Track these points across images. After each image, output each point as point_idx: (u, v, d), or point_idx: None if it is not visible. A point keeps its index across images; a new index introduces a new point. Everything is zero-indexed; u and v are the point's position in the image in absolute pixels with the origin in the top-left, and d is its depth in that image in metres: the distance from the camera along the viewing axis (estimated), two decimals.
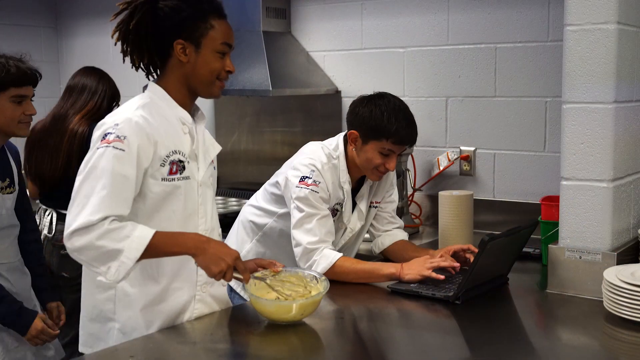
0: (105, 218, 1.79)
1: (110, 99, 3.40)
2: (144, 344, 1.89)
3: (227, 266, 1.87)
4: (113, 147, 1.83)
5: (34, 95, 2.49)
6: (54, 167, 3.26)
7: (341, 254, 2.41)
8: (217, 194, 3.86)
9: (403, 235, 2.71)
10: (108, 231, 1.78)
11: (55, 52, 4.94)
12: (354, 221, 2.58)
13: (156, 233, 1.83)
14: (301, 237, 2.37)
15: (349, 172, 2.52)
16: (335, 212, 2.51)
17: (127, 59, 1.99)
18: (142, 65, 2.00)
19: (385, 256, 2.70)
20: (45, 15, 4.89)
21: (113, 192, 1.81)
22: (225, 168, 4.19)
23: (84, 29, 4.76)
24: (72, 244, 1.80)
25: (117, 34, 1.96)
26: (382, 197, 2.69)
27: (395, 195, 2.75)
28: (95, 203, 1.79)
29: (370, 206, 2.66)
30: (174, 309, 1.99)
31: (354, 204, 2.59)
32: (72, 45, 4.89)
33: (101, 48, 4.58)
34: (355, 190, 2.59)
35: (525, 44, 3.19)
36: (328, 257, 2.37)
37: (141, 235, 1.81)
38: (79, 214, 1.79)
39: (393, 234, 2.71)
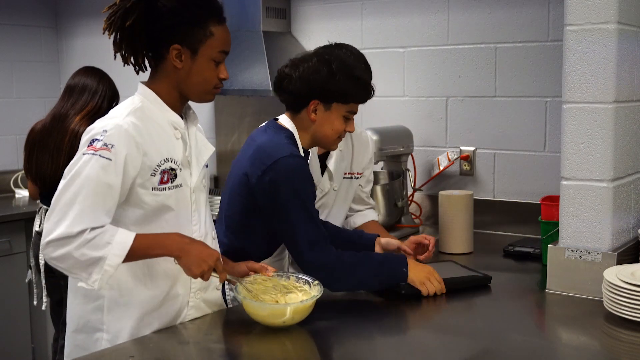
0: (84, 230, 1.75)
1: (110, 99, 3.40)
2: (144, 344, 1.89)
3: (208, 267, 1.86)
4: (100, 155, 1.78)
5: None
6: (55, 167, 3.26)
7: None
8: (216, 194, 3.88)
9: (374, 216, 2.78)
10: (87, 241, 1.74)
11: (55, 52, 4.95)
12: (323, 182, 2.56)
13: (137, 237, 1.80)
14: None
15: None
16: None
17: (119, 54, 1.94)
18: (132, 62, 1.95)
19: None
20: (45, 15, 4.89)
21: (95, 202, 1.77)
22: (225, 168, 4.19)
23: (84, 29, 4.76)
24: (48, 254, 1.76)
25: (109, 28, 1.90)
26: (361, 167, 2.69)
27: (372, 175, 2.80)
28: (76, 214, 1.75)
29: (351, 177, 2.66)
30: (166, 317, 1.97)
31: (325, 168, 2.58)
32: (72, 45, 4.89)
33: (101, 48, 4.57)
34: (325, 156, 2.59)
35: (525, 44, 3.20)
36: None
37: (122, 240, 1.78)
38: (58, 223, 1.75)
39: (365, 214, 2.77)
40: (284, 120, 2.32)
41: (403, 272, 2.22)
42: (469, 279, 2.37)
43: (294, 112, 2.30)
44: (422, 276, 2.24)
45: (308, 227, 2.17)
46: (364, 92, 2.29)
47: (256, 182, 2.18)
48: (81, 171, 1.78)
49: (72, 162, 1.83)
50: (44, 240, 1.76)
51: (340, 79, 2.22)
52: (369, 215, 2.77)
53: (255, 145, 2.26)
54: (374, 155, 2.82)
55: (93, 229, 1.76)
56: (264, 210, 2.22)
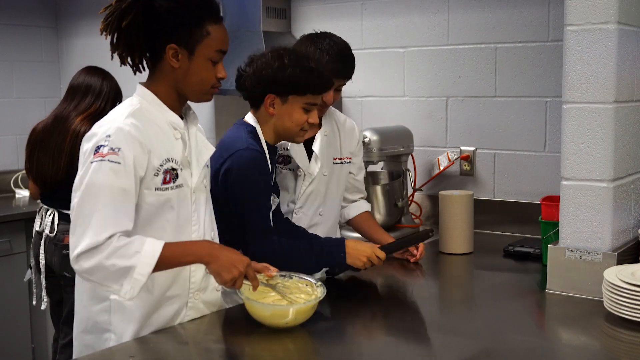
0: (111, 236, 1.75)
1: (113, 100, 3.39)
2: (144, 344, 1.89)
3: (239, 273, 1.86)
4: (108, 160, 1.78)
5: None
6: (56, 167, 3.26)
7: None
8: None
9: (367, 207, 2.82)
10: (116, 249, 1.74)
11: (55, 52, 4.95)
12: (311, 166, 2.60)
13: (166, 245, 1.80)
14: None
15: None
16: (285, 158, 2.59)
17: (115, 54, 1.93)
18: (129, 62, 1.94)
19: (351, 226, 2.84)
20: (45, 15, 4.89)
21: (115, 208, 1.77)
22: None
23: (84, 29, 4.76)
24: (80, 266, 1.76)
25: (106, 29, 1.89)
26: (350, 152, 2.72)
27: (362, 163, 2.85)
28: (99, 222, 1.75)
29: (342, 162, 2.69)
30: (164, 318, 1.97)
31: (312, 153, 2.62)
32: (72, 45, 4.89)
33: (101, 48, 4.53)
34: (311, 142, 2.62)
35: (525, 44, 3.20)
36: None
37: (151, 249, 1.78)
38: (83, 234, 1.75)
39: (358, 205, 2.81)
40: (249, 117, 2.39)
41: (341, 257, 2.32)
42: (408, 239, 2.46)
43: (255, 108, 2.37)
44: (362, 258, 2.33)
45: (255, 218, 2.24)
46: (318, 83, 2.30)
47: (214, 174, 2.24)
48: (94, 180, 1.78)
49: (81, 173, 1.82)
50: (72, 254, 1.76)
51: (291, 71, 2.25)
52: (362, 206, 2.81)
53: (220, 141, 2.35)
54: (362, 143, 2.85)
55: (120, 236, 1.76)
56: (221, 201, 2.26)
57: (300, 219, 2.60)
